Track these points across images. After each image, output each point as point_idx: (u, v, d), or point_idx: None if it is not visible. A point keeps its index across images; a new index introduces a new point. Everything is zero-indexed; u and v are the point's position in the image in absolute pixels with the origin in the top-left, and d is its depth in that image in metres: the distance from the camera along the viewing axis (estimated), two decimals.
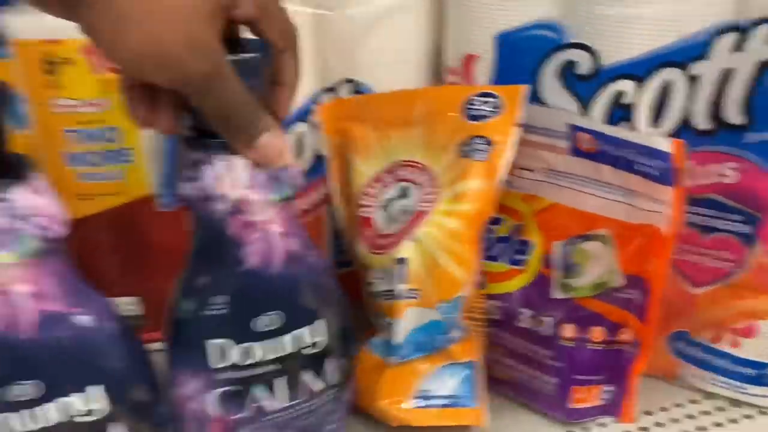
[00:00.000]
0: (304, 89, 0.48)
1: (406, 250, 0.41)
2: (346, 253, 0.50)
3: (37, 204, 0.31)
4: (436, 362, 0.42)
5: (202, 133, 0.34)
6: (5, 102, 0.30)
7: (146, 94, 0.33)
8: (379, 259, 0.43)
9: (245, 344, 0.37)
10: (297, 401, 0.39)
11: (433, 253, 0.41)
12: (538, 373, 0.43)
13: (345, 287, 0.46)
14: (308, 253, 0.39)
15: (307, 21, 0.46)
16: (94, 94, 0.43)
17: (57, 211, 0.32)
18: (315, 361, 0.39)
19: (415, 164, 0.44)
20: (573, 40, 0.40)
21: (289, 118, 0.47)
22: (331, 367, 0.40)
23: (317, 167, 0.50)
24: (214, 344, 0.37)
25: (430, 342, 0.42)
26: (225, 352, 0.37)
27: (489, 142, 0.41)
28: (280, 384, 0.38)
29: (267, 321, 0.37)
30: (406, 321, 0.42)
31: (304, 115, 0.48)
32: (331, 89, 0.49)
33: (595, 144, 0.39)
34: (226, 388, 0.38)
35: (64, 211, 0.32)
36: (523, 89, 0.41)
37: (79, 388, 0.34)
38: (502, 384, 0.46)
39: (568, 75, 0.41)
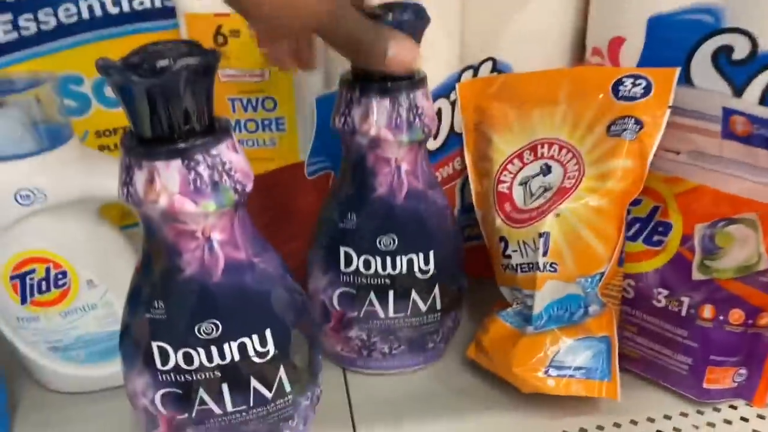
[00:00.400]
0: (446, 67, 0.50)
1: (548, 224, 0.43)
2: (474, 227, 0.52)
3: (235, 160, 0.34)
4: (572, 335, 0.44)
5: (357, 77, 0.40)
6: (216, 65, 0.33)
7: (283, 43, 0.38)
8: (518, 232, 0.45)
9: (366, 256, 0.44)
10: (403, 314, 0.46)
11: (576, 228, 0.42)
12: (672, 352, 0.44)
13: (473, 260, 0.48)
14: (430, 192, 0.44)
15: (452, 1, 0.48)
16: (256, 65, 0.46)
17: (248, 168, 0.35)
18: (424, 285, 0.45)
19: (557, 142, 0.45)
20: (731, 25, 0.41)
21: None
22: (439, 294, 0.46)
23: (452, 143, 0.52)
24: (343, 250, 0.44)
25: (567, 315, 0.44)
26: (350, 259, 0.44)
27: (639, 123, 0.42)
28: (391, 296, 0.45)
29: (387, 241, 0.43)
30: (545, 293, 0.43)
31: (443, 92, 0.50)
32: (471, 67, 0.50)
33: (750, 127, 0.40)
34: (346, 290, 0.45)
35: (251, 169, 0.35)
36: (675, 72, 0.42)
37: (255, 331, 0.37)
38: (632, 361, 0.47)
39: (723, 59, 0.41)
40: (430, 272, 0.44)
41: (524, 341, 0.44)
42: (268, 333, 0.38)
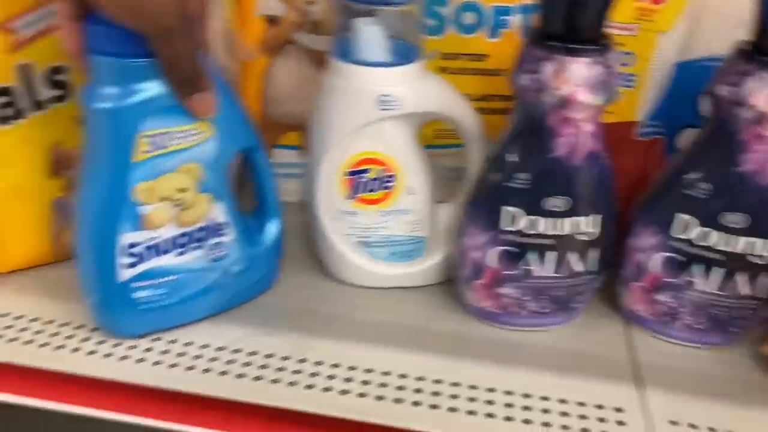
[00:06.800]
0: None
1: None
2: None
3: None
4: None
5: (757, 49, 0.42)
6: None
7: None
8: None
9: (706, 229, 0.45)
10: (725, 294, 0.46)
11: None
12: None
13: None
14: None
15: None
16: (628, 20, 0.50)
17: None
18: (757, 270, 0.45)
19: None
20: None
21: None
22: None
23: None
24: (681, 216, 0.46)
25: None
26: (686, 225, 0.46)
27: None
28: (721, 273, 0.46)
29: (734, 219, 0.44)
30: None
31: None
32: None
33: None
34: (671, 255, 0.47)
35: None
36: None
37: (588, 213, 0.45)
38: None
39: None
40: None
41: None
42: (598, 218, 0.45)
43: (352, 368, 0.46)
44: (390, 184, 0.50)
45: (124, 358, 0.45)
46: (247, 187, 0.52)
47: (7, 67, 0.46)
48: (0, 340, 0.46)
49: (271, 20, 0.57)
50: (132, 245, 0.43)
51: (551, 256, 0.46)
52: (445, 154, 0.61)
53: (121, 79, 0.40)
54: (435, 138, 0.61)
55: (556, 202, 0.44)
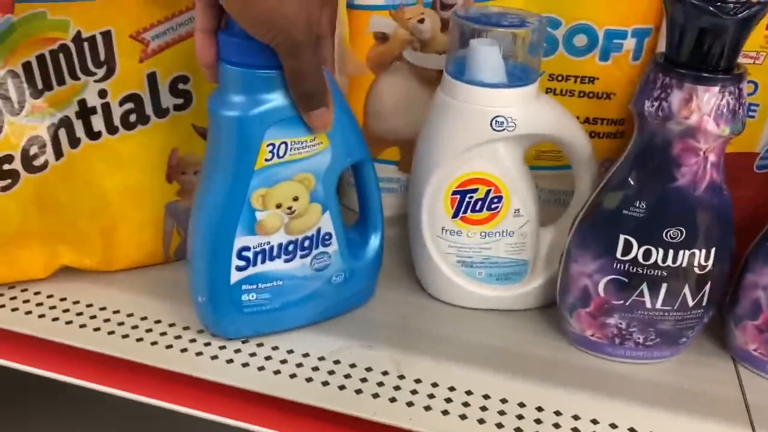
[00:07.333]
0: None
1: None
2: None
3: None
4: None
5: None
6: None
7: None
8: None
9: None
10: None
11: None
12: None
13: None
14: None
15: None
16: (754, 47, 0.48)
17: None
18: None
19: None
20: None
21: None
22: None
23: None
24: None
25: None
26: None
27: None
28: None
29: None
30: None
31: None
32: None
33: None
34: None
35: None
36: None
37: (705, 246, 0.44)
38: None
39: None
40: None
41: None
42: (713, 251, 0.44)
43: (451, 389, 0.45)
44: (497, 205, 0.50)
45: (230, 361, 0.47)
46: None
47: (138, 76, 0.48)
48: (112, 336, 0.48)
49: (381, 37, 0.58)
50: (244, 249, 0.45)
51: (663, 288, 0.45)
52: (544, 175, 0.61)
53: (248, 89, 0.41)
54: (535, 159, 0.61)
55: (673, 233, 0.43)
